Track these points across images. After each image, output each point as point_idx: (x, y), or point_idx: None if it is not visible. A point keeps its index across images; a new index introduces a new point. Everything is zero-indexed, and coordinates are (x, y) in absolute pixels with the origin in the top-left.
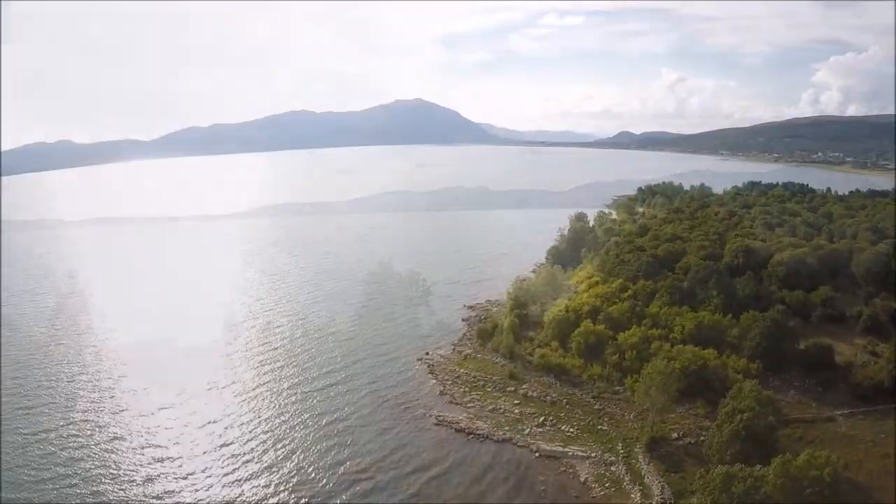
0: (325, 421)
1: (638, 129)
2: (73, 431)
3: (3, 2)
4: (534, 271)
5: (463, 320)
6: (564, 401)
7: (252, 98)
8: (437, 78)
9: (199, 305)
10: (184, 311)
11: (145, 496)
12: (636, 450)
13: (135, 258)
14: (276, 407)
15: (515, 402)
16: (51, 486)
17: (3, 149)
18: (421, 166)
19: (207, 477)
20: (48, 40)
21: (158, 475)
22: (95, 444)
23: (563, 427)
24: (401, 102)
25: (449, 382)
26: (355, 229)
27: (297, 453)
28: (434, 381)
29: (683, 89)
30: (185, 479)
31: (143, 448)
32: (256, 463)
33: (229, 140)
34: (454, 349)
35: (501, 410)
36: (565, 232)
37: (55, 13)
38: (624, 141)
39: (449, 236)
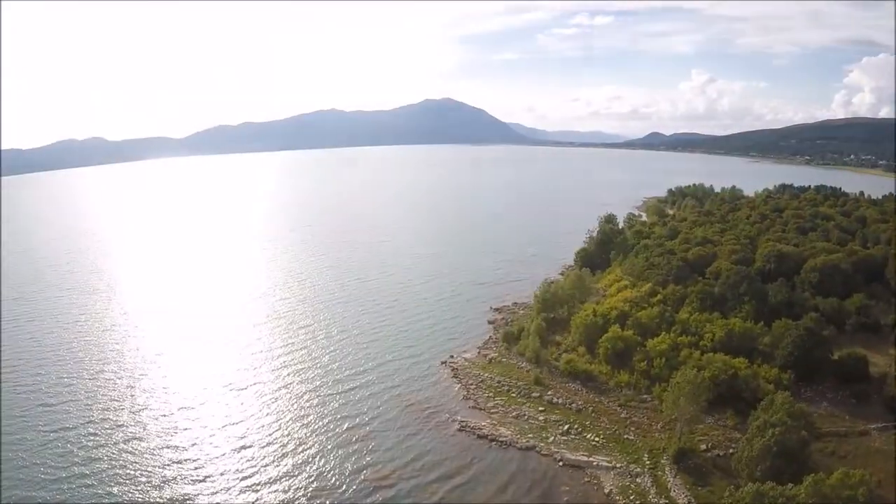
0: (346, 425)
1: (668, 131)
2: (92, 430)
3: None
4: (562, 273)
5: (489, 323)
6: (590, 408)
7: (282, 96)
8: (466, 77)
9: (224, 304)
10: (209, 309)
11: (161, 499)
12: (663, 461)
13: (166, 253)
14: (298, 409)
15: (540, 408)
16: (66, 485)
17: (33, 146)
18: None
19: (225, 481)
20: (80, 38)
21: (175, 478)
22: (113, 444)
23: (588, 436)
24: (430, 101)
25: (473, 387)
26: (382, 229)
27: (318, 458)
28: (458, 385)
29: (713, 90)
30: (202, 481)
31: (160, 449)
32: (275, 467)
33: (258, 138)
34: (479, 352)
35: (525, 417)
36: (594, 233)
37: (86, 11)
38: (654, 142)
39: (477, 237)
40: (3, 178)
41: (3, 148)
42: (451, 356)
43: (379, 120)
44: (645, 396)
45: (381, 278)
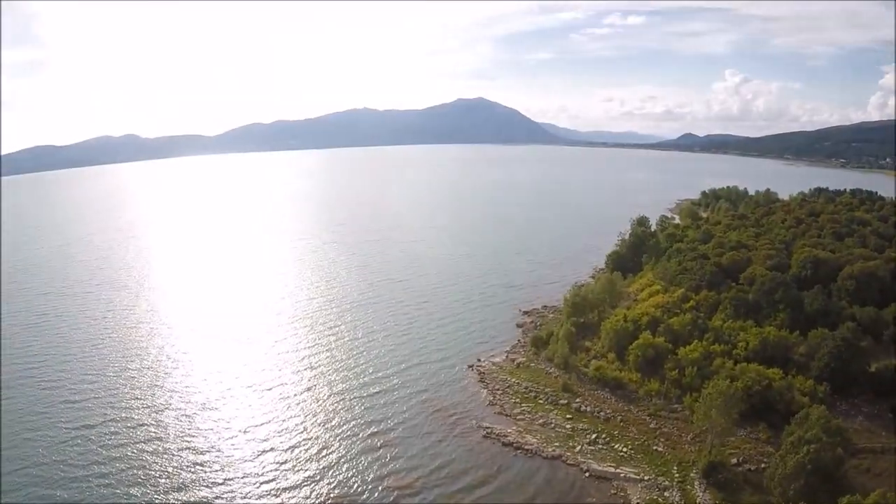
0: (371, 430)
1: (701, 132)
2: (113, 429)
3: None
4: (593, 276)
5: (518, 326)
6: (619, 417)
7: (315, 95)
8: (499, 77)
9: (252, 302)
10: (236, 308)
11: (178, 502)
12: (692, 475)
13: (196, 250)
14: (322, 412)
15: (567, 416)
16: (84, 484)
17: (68, 142)
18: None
19: (245, 485)
20: (116, 37)
21: (195, 481)
22: (134, 444)
23: (616, 446)
24: (462, 101)
25: (499, 392)
26: (413, 228)
27: (341, 464)
28: (484, 390)
29: (747, 91)
30: (221, 485)
31: (181, 450)
32: (297, 472)
33: (291, 136)
34: (507, 356)
35: (552, 425)
36: (626, 236)
37: (122, 10)
38: (687, 143)
39: (508, 237)
40: (37, 174)
41: (36, 144)
42: (479, 360)
43: (412, 119)
44: (675, 406)
45: (411, 279)
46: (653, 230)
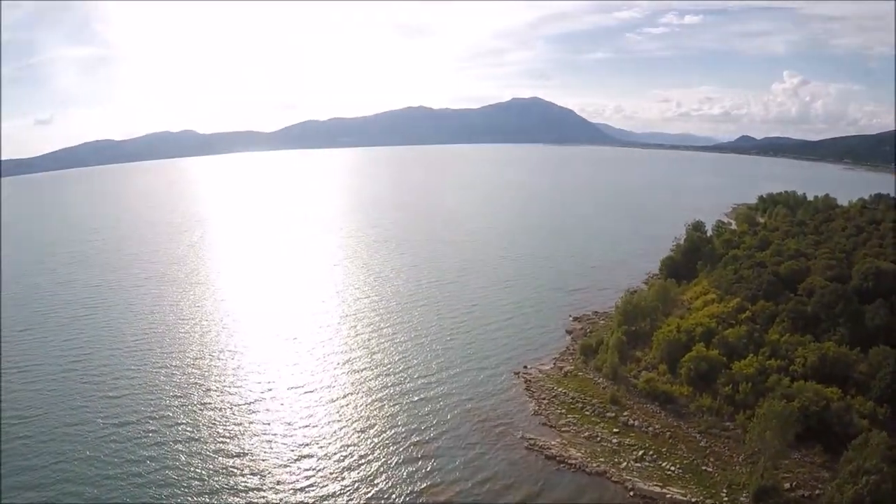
0: (412, 438)
1: (759, 134)
2: (151, 427)
3: None
4: (646, 282)
5: (567, 332)
6: (668, 433)
7: (371, 93)
8: (555, 76)
9: (298, 300)
10: (282, 305)
11: None
12: (742, 498)
13: (245, 245)
14: (363, 418)
15: (614, 430)
16: (115, 483)
17: (127, 137)
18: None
19: (277, 493)
20: (173, 35)
21: (225, 486)
22: (169, 443)
23: (663, 464)
24: (518, 100)
25: (545, 402)
26: (465, 228)
27: (379, 475)
28: (530, 399)
29: (806, 93)
30: (252, 491)
31: (216, 452)
32: (332, 482)
33: (347, 134)
34: (555, 364)
35: (598, 439)
36: (681, 241)
37: (179, 10)
38: (744, 145)
39: (561, 239)
40: (98, 168)
41: (97, 139)
42: (526, 367)
43: (467, 118)
44: (727, 424)
45: (460, 280)
46: (708, 235)
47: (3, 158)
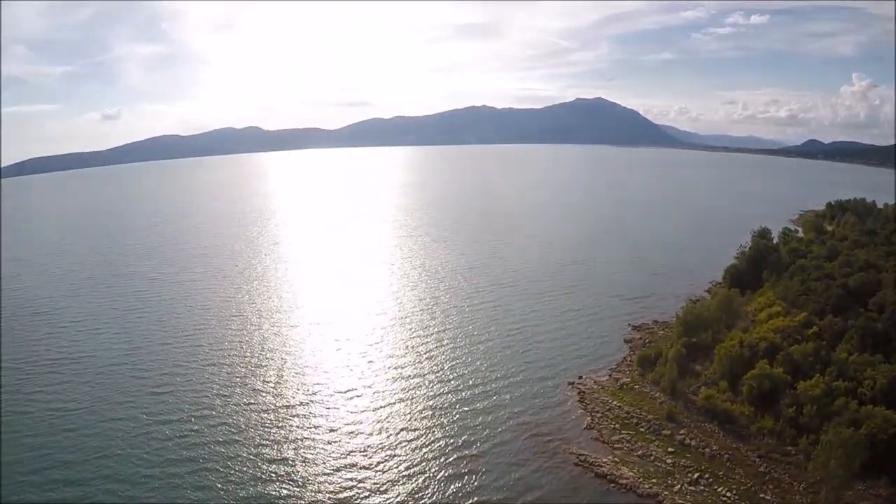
0: (459, 448)
1: (826, 138)
2: (193, 426)
3: None
4: (708, 290)
5: (625, 342)
6: (725, 456)
7: (435, 93)
8: (618, 77)
9: (353, 299)
10: (336, 304)
11: None
12: None
13: (303, 241)
14: (411, 424)
15: (669, 449)
16: (150, 483)
17: (192, 133)
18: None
19: (315, 502)
20: (241, 34)
21: (263, 493)
22: (210, 444)
23: (718, 489)
24: (582, 101)
25: (599, 415)
26: (525, 231)
27: (424, 488)
28: (583, 411)
29: (875, 96)
30: (291, 499)
31: (256, 457)
32: (375, 494)
33: (410, 132)
34: (610, 375)
35: (652, 458)
36: (746, 249)
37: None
38: (811, 150)
39: (622, 244)
40: (162, 162)
41: (163, 134)
42: (580, 377)
43: (530, 118)
44: (789, 449)
45: (519, 284)
46: (774, 243)
47: (72, 151)
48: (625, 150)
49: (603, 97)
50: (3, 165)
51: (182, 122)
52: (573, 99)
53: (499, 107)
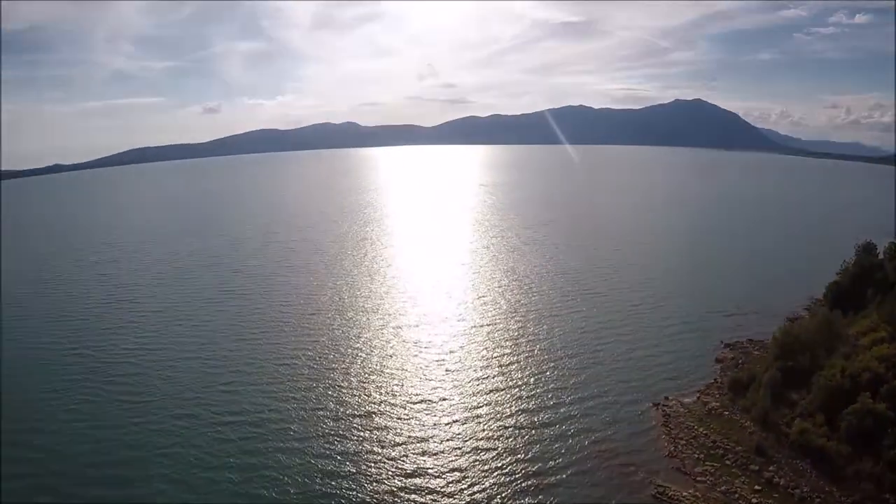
0: (531, 470)
1: None
2: (257, 429)
3: None
4: (808, 309)
5: (717, 361)
6: (817, 499)
7: (532, 92)
8: (718, 78)
9: (437, 301)
10: (419, 306)
11: None
12: None
13: (392, 238)
14: (483, 443)
15: (756, 487)
16: (207, 486)
17: (291, 127)
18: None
19: None
20: (337, 31)
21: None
22: (270, 451)
23: None
24: (680, 102)
25: (683, 442)
26: (618, 235)
27: None
28: (666, 437)
29: None
30: None
31: (315, 468)
32: None
33: (506, 130)
34: (699, 398)
35: (736, 495)
36: (849, 265)
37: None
38: None
39: (719, 253)
40: (260, 155)
41: (262, 128)
42: (667, 398)
43: (628, 119)
44: (888, 497)
45: (609, 293)
46: (880, 259)
47: (174, 143)
48: (723, 154)
49: (702, 99)
50: (109, 154)
51: (280, 116)
52: (672, 100)
53: (596, 107)
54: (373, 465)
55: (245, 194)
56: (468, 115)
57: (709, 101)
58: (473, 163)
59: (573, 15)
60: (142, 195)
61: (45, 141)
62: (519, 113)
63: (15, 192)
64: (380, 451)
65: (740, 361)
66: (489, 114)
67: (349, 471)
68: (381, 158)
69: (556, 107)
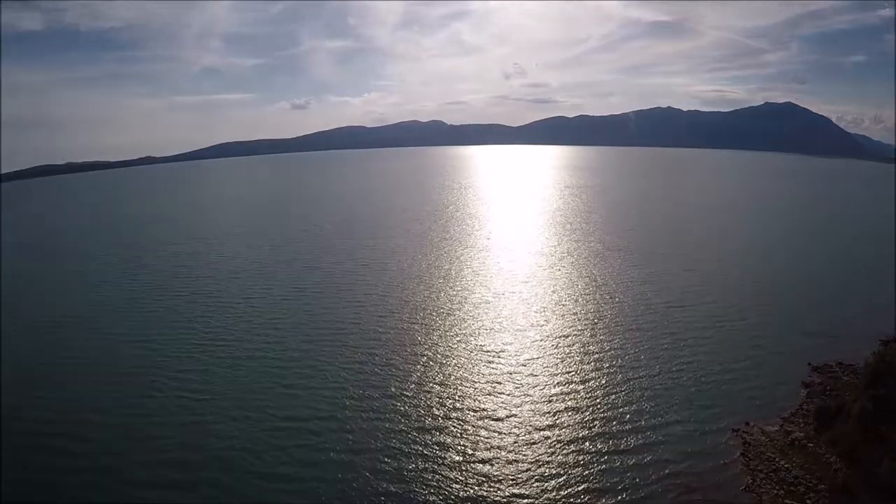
0: (598, 499)
1: None
2: (316, 436)
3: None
4: None
5: (804, 386)
6: None
7: (620, 93)
8: (809, 80)
9: (512, 308)
10: (493, 314)
11: None
12: None
13: (474, 237)
14: (549, 466)
15: None
16: (253, 491)
17: (375, 124)
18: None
19: None
20: (424, 32)
21: None
22: (325, 462)
23: None
24: (770, 105)
25: (762, 475)
26: (711, 244)
27: None
28: (743, 468)
29: None
30: None
31: (368, 485)
32: None
33: (593, 132)
34: (782, 426)
35: None
36: None
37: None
38: None
39: (809, 270)
40: (347, 151)
41: (349, 125)
42: (748, 423)
43: (717, 122)
44: None
45: (691, 305)
46: None
47: (262, 138)
48: (815, 161)
49: (793, 102)
50: (199, 147)
51: (366, 113)
52: (762, 102)
53: (684, 109)
54: (427, 486)
55: (330, 190)
56: (555, 115)
57: (800, 105)
58: (559, 164)
59: (664, 14)
60: (227, 188)
61: (136, 134)
62: (606, 114)
63: (110, 182)
64: (437, 470)
65: (828, 387)
66: (576, 114)
67: (400, 490)
68: (467, 157)
69: (643, 108)
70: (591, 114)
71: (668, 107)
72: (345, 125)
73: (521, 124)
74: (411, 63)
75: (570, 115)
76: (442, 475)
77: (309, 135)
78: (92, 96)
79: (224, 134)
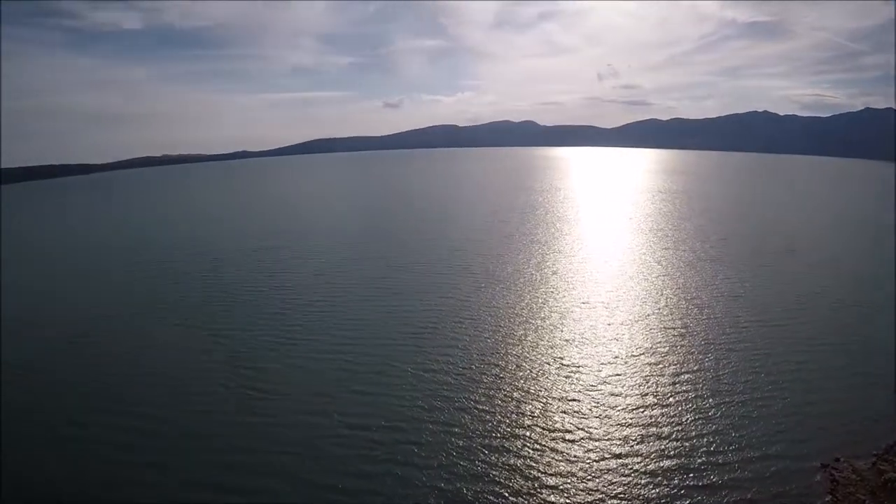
0: None
1: None
2: (380, 448)
3: None
4: None
5: None
6: None
7: (715, 96)
8: None
9: (596, 321)
10: (576, 327)
11: None
12: None
13: (553, 243)
14: (624, 497)
15: None
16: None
17: (467, 123)
18: None
19: None
20: (516, 32)
21: None
22: (387, 474)
23: None
24: (872, 111)
25: None
26: (804, 260)
27: None
28: None
29: None
30: None
31: (430, 490)
32: None
33: (687, 134)
34: (874, 464)
35: None
36: None
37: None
38: None
39: None
40: (439, 150)
41: (443, 123)
42: (838, 459)
43: (814, 127)
44: None
45: (784, 324)
46: None
47: (354, 135)
48: None
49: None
50: (293, 143)
51: (458, 112)
52: (862, 108)
53: (781, 113)
54: (493, 495)
55: (420, 188)
56: (648, 117)
57: None
58: (653, 167)
59: (761, 14)
60: (315, 184)
61: (231, 130)
62: (702, 117)
63: (202, 175)
64: (501, 493)
65: None
66: (670, 117)
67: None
68: (559, 158)
69: (739, 112)
70: (685, 116)
71: (765, 111)
72: (437, 124)
73: (614, 126)
74: (502, 63)
75: (664, 117)
76: (506, 500)
77: (401, 133)
78: (186, 92)
79: (317, 130)
